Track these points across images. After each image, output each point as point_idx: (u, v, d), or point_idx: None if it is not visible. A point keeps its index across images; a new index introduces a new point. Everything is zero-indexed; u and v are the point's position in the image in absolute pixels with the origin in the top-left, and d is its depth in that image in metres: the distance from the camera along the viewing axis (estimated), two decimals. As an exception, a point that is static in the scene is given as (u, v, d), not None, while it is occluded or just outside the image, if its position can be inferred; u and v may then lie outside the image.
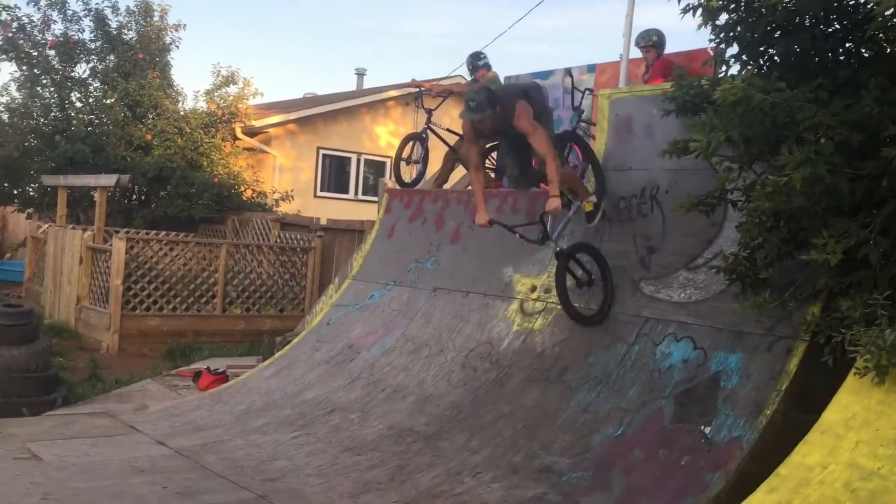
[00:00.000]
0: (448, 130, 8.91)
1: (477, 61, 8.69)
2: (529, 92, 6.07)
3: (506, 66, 36.98)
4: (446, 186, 9.10)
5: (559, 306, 6.21)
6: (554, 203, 5.53)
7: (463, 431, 5.77)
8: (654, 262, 5.88)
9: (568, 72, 8.51)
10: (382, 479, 5.28)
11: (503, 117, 5.72)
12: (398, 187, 8.94)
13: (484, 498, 4.92)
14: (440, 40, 56.16)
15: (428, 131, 8.84)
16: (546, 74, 8.92)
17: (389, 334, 7.40)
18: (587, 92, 8.01)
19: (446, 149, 8.92)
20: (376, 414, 6.34)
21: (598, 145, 6.74)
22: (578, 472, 4.94)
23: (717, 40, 4.60)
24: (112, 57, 14.49)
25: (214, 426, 6.51)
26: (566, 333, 6.07)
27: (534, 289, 6.60)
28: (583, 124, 8.09)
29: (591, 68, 8.41)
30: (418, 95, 9.51)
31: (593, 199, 6.30)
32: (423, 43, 57.85)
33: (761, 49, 4.55)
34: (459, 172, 9.38)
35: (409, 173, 8.97)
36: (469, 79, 9.06)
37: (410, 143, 8.93)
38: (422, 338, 7.11)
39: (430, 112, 8.86)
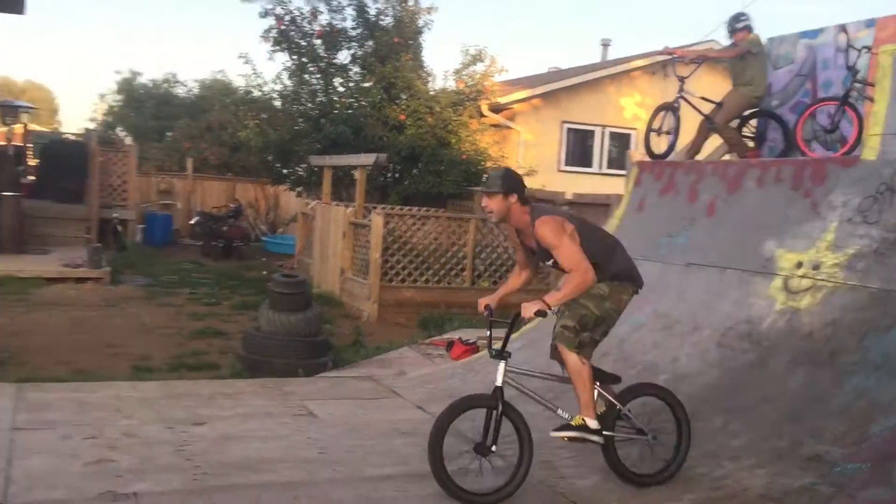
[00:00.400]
0: (702, 99, 8.50)
1: (736, 23, 8.19)
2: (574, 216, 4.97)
3: (769, 28, 34.56)
4: (699, 157, 8.70)
5: (830, 284, 5.75)
6: (529, 307, 4.45)
7: (720, 413, 5.52)
8: (947, 236, 5.24)
9: (842, 28, 7.78)
10: (634, 457, 5.20)
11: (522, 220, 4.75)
12: (647, 159, 8.69)
13: (746, 483, 4.69)
14: (692, 4, 53.67)
15: (680, 100, 8.49)
16: (814, 34, 8.20)
17: (639, 310, 7.21)
18: (864, 50, 7.27)
19: (700, 118, 8.52)
20: (627, 390, 6.24)
21: (878, 107, 6.10)
22: (854, 464, 4.54)
23: None
24: (370, 42, 15.36)
25: (468, 393, 6.74)
26: (838, 314, 5.59)
27: (800, 265, 6.14)
28: (857, 86, 7.37)
29: (870, 23, 7.59)
30: (670, 63, 9.16)
31: (591, 422, 4.72)
32: (672, 8, 55.61)
33: None
34: (714, 142, 8.93)
35: (659, 144, 8.69)
36: (727, 42, 8.55)
37: (662, 113, 8.63)
38: (674, 314, 6.89)
39: (682, 80, 8.50)
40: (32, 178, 17.76)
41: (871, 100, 6.55)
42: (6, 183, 13.86)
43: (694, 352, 6.32)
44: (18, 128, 18.12)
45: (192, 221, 18.86)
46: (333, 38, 15.33)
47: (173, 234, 19.47)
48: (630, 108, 18.27)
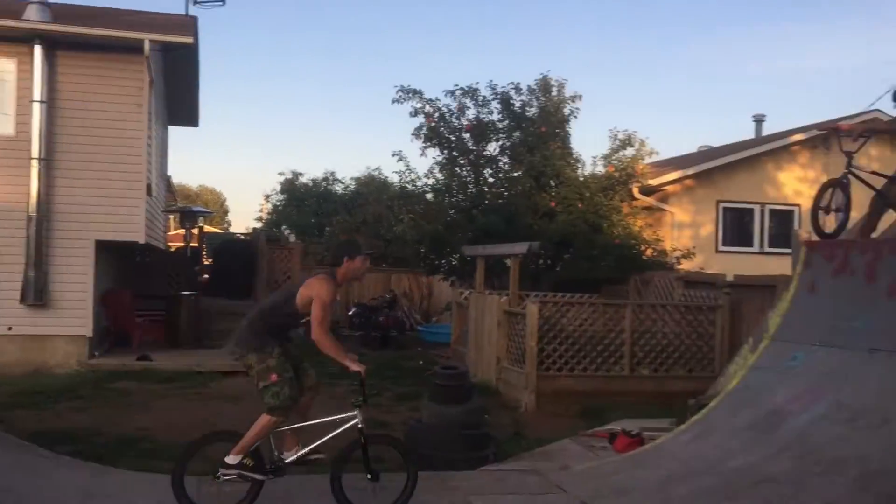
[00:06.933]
0: (873, 173, 8.08)
1: (903, 94, 7.81)
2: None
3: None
4: (874, 235, 8.21)
5: None
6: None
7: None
8: None
9: None
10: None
11: None
12: (816, 239, 8.28)
13: None
14: (847, 74, 51.70)
15: (849, 176, 8.10)
16: None
17: (818, 401, 6.78)
18: None
19: (871, 193, 8.08)
20: (812, 488, 5.80)
21: None
22: None
23: None
24: (517, 133, 15.68)
25: (636, 490, 6.50)
26: None
27: None
28: None
29: None
30: (833, 138, 8.81)
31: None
32: (827, 79, 53.80)
33: None
34: (889, 219, 8.42)
35: (828, 223, 8.28)
36: (894, 115, 8.15)
37: (829, 190, 8.25)
38: (859, 405, 6.40)
39: (850, 155, 8.13)
40: (207, 276, 19.04)
41: None
42: (185, 283, 14.93)
43: (886, 446, 5.82)
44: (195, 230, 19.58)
45: (350, 312, 19.51)
46: (481, 131, 15.76)
47: (334, 326, 20.10)
48: (790, 184, 17.60)
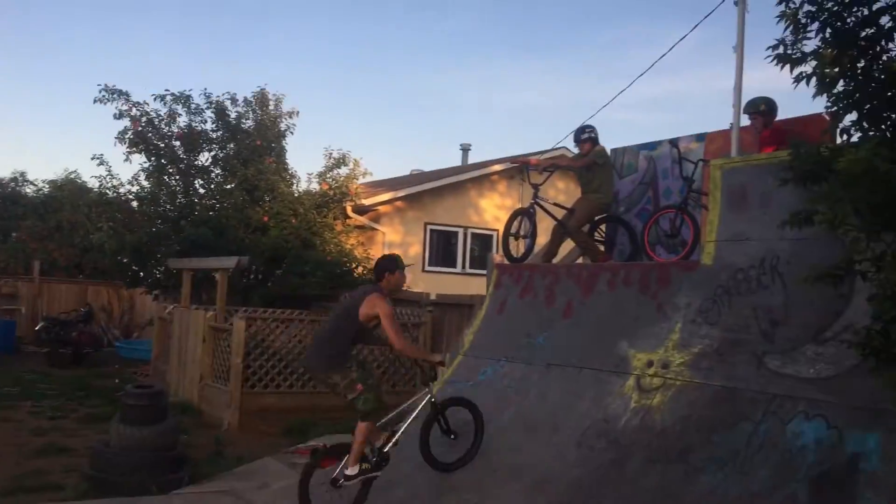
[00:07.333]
0: (555, 205, 8.94)
1: (581, 135, 8.75)
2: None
3: (611, 137, 36.98)
4: (555, 260, 9.08)
5: (679, 382, 6.06)
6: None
7: (583, 514, 5.60)
8: (779, 335, 5.66)
9: (673, 143, 8.45)
10: None
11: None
12: (507, 262, 8.98)
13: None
14: (542, 111, 56.92)
15: (535, 206, 8.90)
16: (653, 146, 8.89)
17: (503, 412, 7.33)
18: (700, 162, 7.91)
19: (554, 223, 8.94)
20: (493, 495, 6.25)
21: (712, 216, 6.61)
22: (708, 560, 4.70)
23: (835, 108, 4.48)
24: (232, 145, 15.30)
25: (333, 506, 6.56)
26: (687, 411, 5.87)
27: (650, 364, 6.44)
28: (693, 195, 7.98)
29: (700, 137, 8.31)
30: (523, 170, 9.64)
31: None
32: (525, 115, 58.79)
33: (884, 115, 4.40)
34: (568, 246, 9.35)
35: (517, 248, 9.03)
36: (576, 152, 9.11)
37: (518, 217, 9.00)
38: (536, 415, 7.01)
39: (536, 187, 8.93)
40: None
41: (706, 208, 7.11)
42: None
43: (556, 453, 6.43)
44: None
45: (37, 327, 17.74)
46: (193, 140, 15.18)
47: (16, 342, 18.20)
48: (491, 210, 18.91)
